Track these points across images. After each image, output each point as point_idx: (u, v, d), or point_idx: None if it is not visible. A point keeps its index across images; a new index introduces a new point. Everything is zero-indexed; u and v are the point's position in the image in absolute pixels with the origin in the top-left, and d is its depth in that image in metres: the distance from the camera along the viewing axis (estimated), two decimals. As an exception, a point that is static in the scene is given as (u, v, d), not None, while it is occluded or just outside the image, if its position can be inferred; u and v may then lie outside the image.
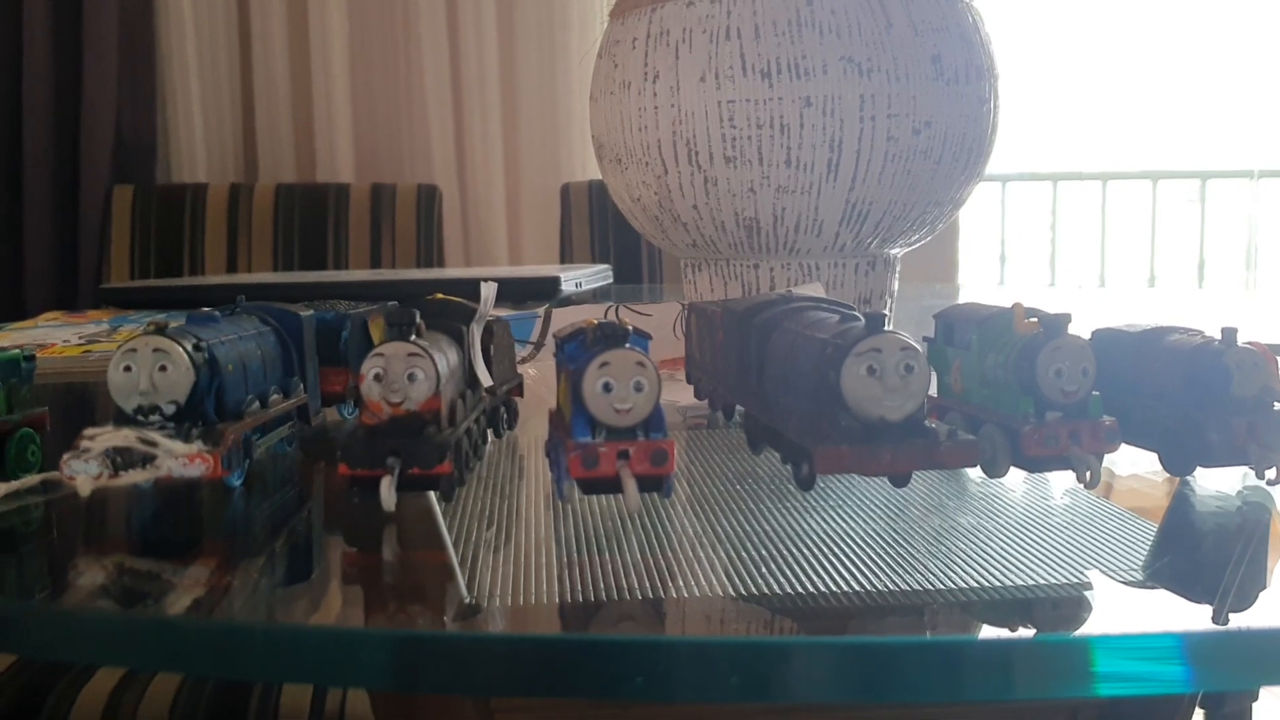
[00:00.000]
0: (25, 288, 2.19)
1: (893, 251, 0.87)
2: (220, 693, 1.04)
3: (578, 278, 1.32)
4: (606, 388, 0.42)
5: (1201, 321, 0.51)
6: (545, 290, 1.24)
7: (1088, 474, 0.44)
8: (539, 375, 0.68)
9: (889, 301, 0.89)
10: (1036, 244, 3.49)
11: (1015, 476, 0.47)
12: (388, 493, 0.42)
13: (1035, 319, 0.45)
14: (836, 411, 0.41)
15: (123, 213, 2.00)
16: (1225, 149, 3.34)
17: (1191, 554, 0.42)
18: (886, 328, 0.41)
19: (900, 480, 0.43)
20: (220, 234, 1.99)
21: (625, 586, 0.38)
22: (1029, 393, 0.44)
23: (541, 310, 0.89)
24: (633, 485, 0.41)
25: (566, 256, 1.98)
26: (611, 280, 1.58)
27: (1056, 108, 3.29)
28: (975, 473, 0.49)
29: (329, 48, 2.26)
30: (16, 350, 0.50)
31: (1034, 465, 0.45)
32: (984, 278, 3.37)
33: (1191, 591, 0.37)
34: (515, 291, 1.25)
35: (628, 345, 0.42)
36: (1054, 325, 0.44)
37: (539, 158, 2.29)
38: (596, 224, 1.96)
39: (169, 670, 0.97)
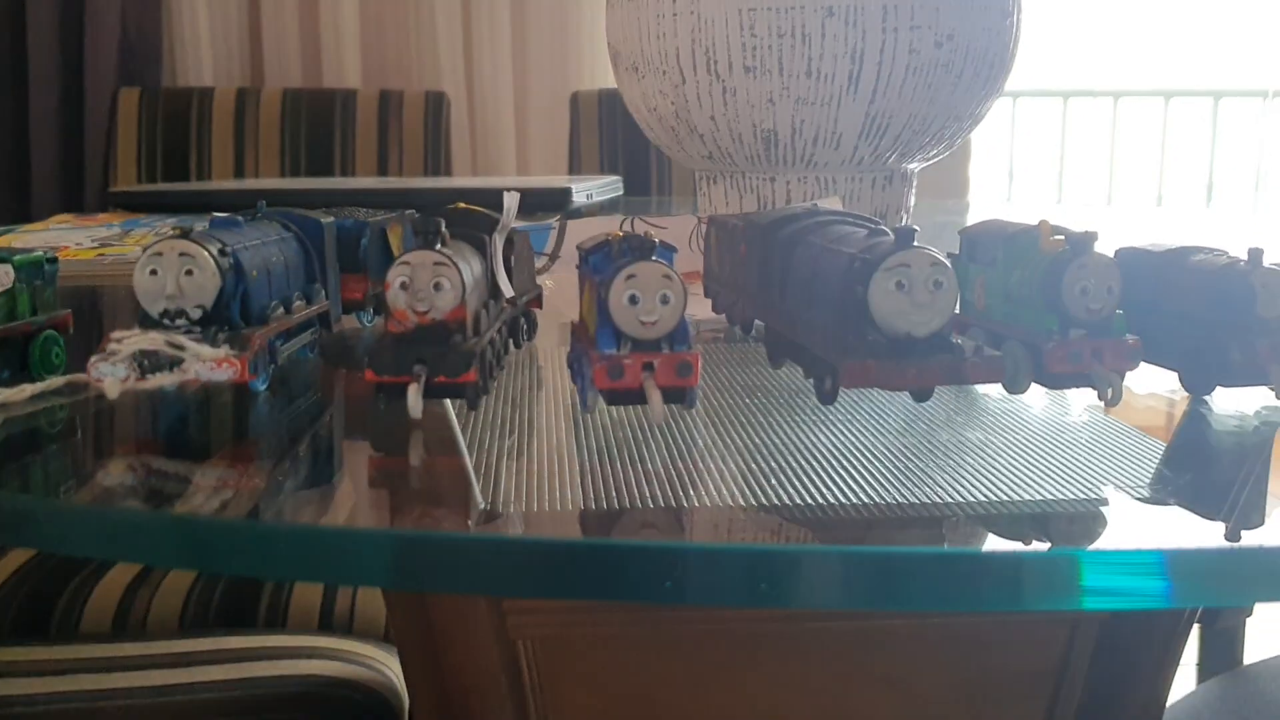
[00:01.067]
0: (32, 191, 2.18)
1: (910, 167, 0.86)
2: (230, 593, 1.06)
3: (589, 189, 1.32)
4: (632, 300, 0.42)
5: (1209, 241, 0.51)
6: (557, 201, 1.23)
7: (1109, 391, 0.44)
8: (555, 287, 0.68)
9: (905, 217, 0.89)
10: (1045, 161, 3.46)
11: (1028, 394, 0.47)
12: (415, 399, 0.42)
13: (1061, 237, 0.45)
14: (863, 326, 0.41)
15: (129, 116, 1.98)
16: (1240, 68, 3.29)
17: (1204, 472, 0.43)
18: (916, 243, 0.41)
19: (922, 395, 0.43)
20: (227, 138, 1.98)
21: (642, 495, 0.38)
22: (1053, 310, 0.44)
23: (555, 221, 0.88)
24: (658, 397, 0.42)
25: (575, 166, 1.96)
26: (621, 192, 1.57)
27: (1069, 23, 3.24)
28: (994, 389, 0.49)
29: (335, -51, 2.23)
30: (39, 252, 0.50)
31: (1056, 382, 0.45)
32: (992, 193, 3.35)
33: (1200, 509, 0.38)
34: (526, 202, 1.24)
35: (654, 258, 0.42)
36: (1080, 243, 0.44)
37: (548, 65, 2.27)
38: (606, 134, 1.94)
39: (188, 567, 0.99)
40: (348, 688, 0.95)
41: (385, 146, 1.96)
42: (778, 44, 0.77)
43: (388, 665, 1.01)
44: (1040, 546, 0.34)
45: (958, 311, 0.52)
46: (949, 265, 0.41)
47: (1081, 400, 0.49)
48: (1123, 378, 0.44)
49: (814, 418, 0.47)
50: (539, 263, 0.82)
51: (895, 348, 0.41)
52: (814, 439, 0.45)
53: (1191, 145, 3.37)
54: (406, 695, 0.94)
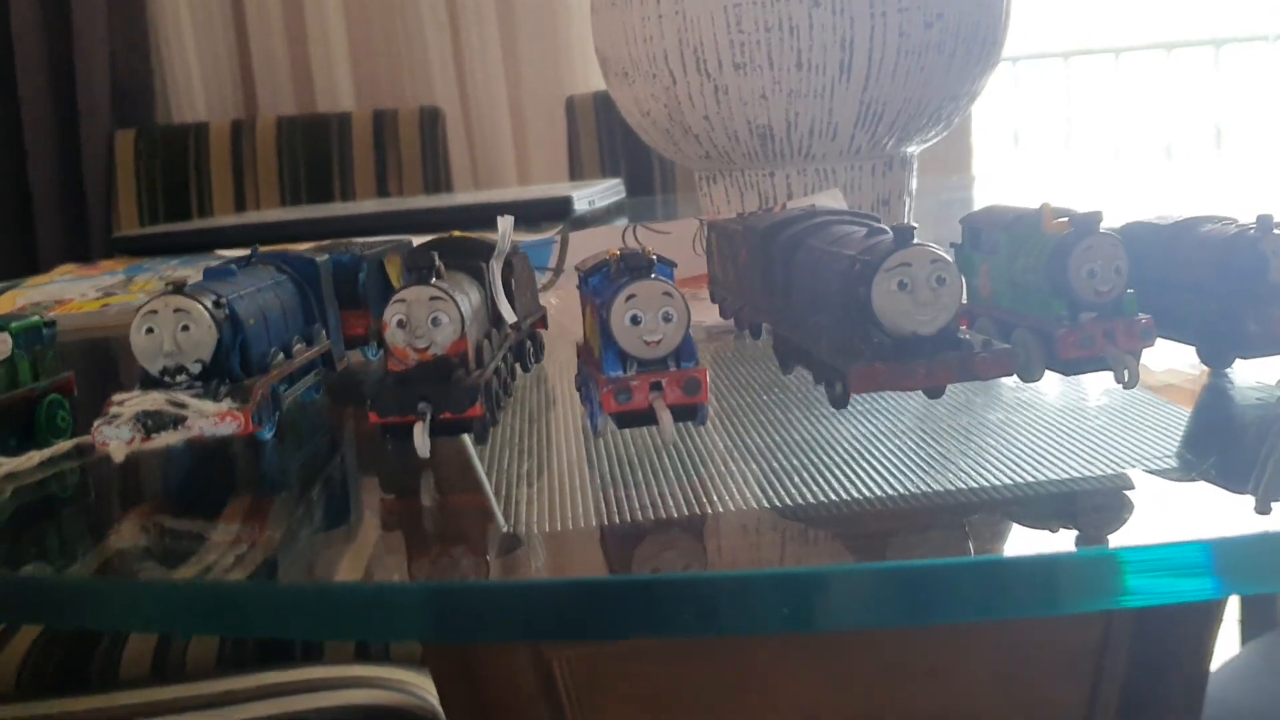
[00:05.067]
0: (37, 241, 2.18)
1: (909, 150, 0.85)
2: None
3: (590, 195, 1.31)
4: (634, 320, 0.41)
5: (1219, 201, 0.50)
6: (558, 210, 1.22)
7: (1125, 373, 0.43)
8: (561, 304, 0.67)
9: (908, 201, 0.88)
10: (1050, 121, 3.44)
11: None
12: (421, 439, 0.41)
13: (1065, 219, 0.44)
14: (868, 329, 0.40)
15: (126, 157, 1.98)
16: (1240, 14, 3.26)
17: (1229, 446, 0.42)
18: (915, 240, 0.40)
19: (935, 392, 0.43)
20: (225, 172, 1.98)
21: (662, 506, 0.38)
22: (1061, 294, 0.43)
23: (557, 234, 0.88)
24: (667, 416, 0.41)
25: (575, 171, 1.96)
26: (624, 195, 1.56)
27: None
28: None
29: (319, -28, 2.22)
30: (36, 317, 0.50)
31: (1069, 368, 0.44)
32: (998, 159, 3.32)
33: (1228, 485, 0.37)
34: (528, 213, 1.24)
35: (653, 276, 0.42)
36: (1085, 224, 0.43)
37: (540, 71, 2.26)
38: (604, 136, 1.94)
39: (212, 633, 0.99)
40: (389, 715, 0.95)
41: (384, 166, 1.96)
42: (765, 38, 0.76)
43: (428, 690, 1.00)
44: (1073, 545, 0.34)
45: (964, 300, 0.51)
46: (950, 260, 0.40)
47: (1098, 384, 0.48)
48: (1138, 358, 0.44)
49: (829, 410, 0.46)
50: (544, 278, 0.81)
51: (902, 349, 0.40)
52: (831, 432, 0.45)
53: (1197, 94, 3.34)
54: (447, 720, 0.93)
